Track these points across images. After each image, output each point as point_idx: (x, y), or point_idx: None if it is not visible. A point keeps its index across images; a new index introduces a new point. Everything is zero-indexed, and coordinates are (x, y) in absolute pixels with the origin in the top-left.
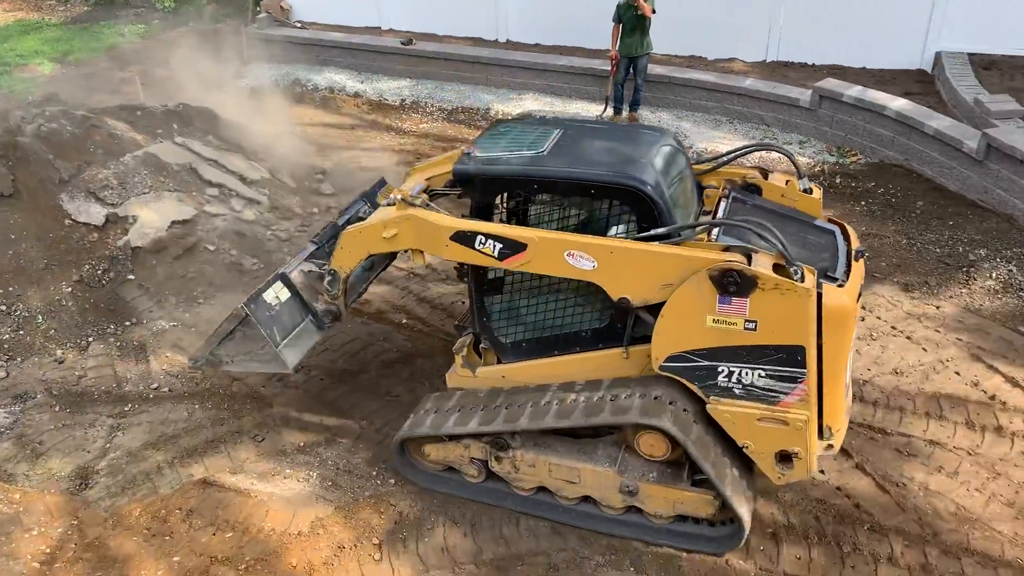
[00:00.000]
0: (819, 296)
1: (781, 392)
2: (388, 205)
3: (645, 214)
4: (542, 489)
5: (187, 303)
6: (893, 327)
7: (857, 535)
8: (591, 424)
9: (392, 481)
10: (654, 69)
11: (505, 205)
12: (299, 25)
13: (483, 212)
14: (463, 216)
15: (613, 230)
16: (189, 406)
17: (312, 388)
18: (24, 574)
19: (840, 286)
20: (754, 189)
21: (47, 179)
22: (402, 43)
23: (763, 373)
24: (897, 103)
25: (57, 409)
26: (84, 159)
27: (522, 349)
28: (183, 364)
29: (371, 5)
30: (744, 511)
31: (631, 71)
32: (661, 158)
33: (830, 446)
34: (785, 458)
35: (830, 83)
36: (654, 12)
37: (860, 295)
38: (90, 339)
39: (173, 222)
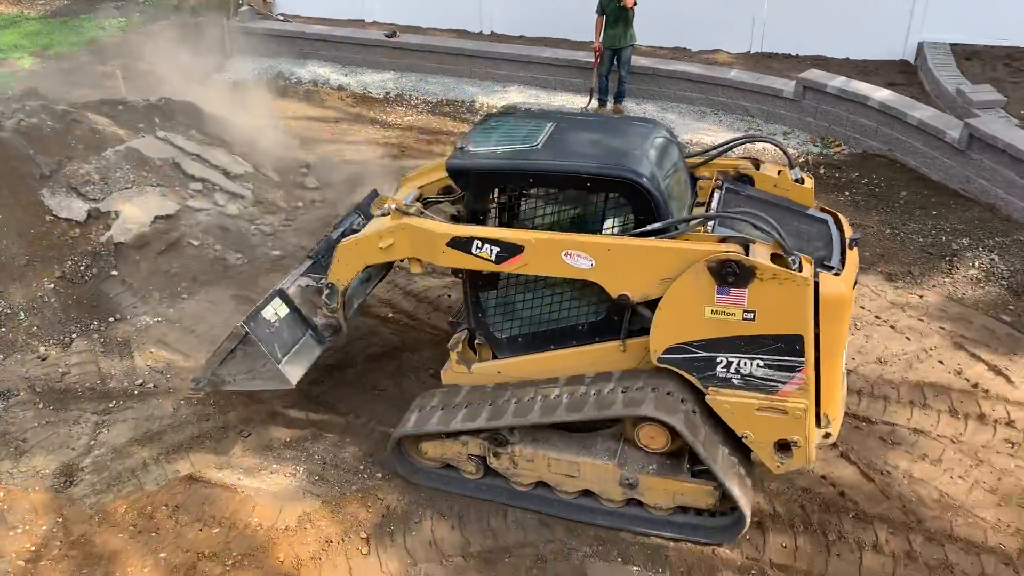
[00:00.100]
0: (816, 285)
1: (779, 381)
2: (382, 215)
3: (641, 206)
4: (541, 484)
5: (171, 298)
6: (877, 316)
7: (842, 523)
8: (602, 417)
9: (379, 475)
10: (639, 61)
11: (499, 200)
12: (282, 18)
13: (477, 207)
14: (455, 215)
15: (609, 222)
16: (174, 402)
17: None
18: (9, 572)
19: (836, 275)
20: (747, 179)
21: (28, 174)
22: (386, 36)
23: (761, 363)
24: (880, 93)
25: (41, 406)
26: (65, 154)
27: (518, 344)
28: (168, 360)
29: None
30: (744, 501)
31: (615, 63)
32: (655, 150)
33: (828, 434)
34: (784, 447)
35: (814, 74)
36: (635, 3)
37: (856, 283)
38: (73, 336)
39: (156, 217)
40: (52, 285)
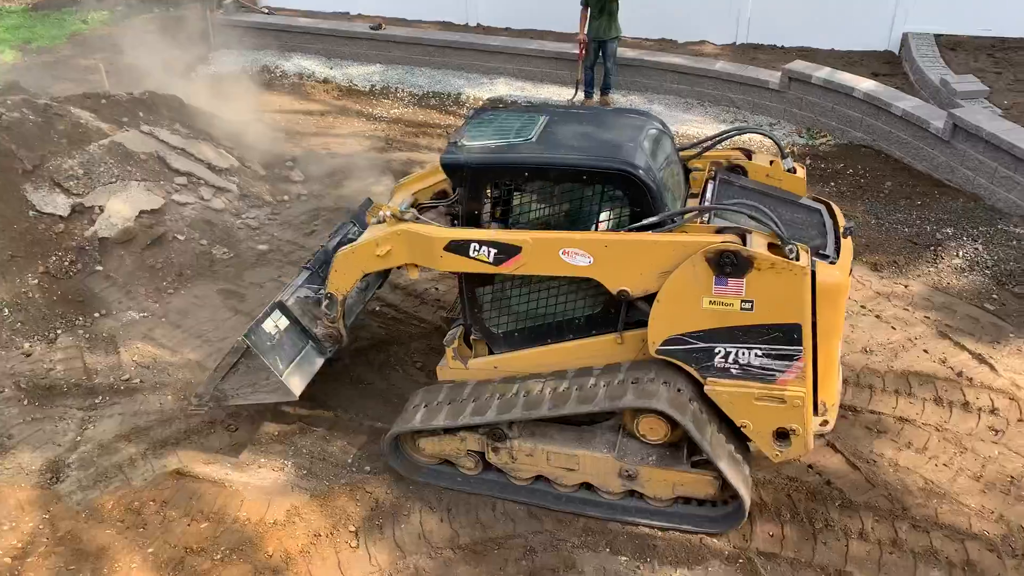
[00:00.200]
0: (812, 274)
1: (778, 370)
2: (378, 223)
3: (637, 198)
4: (539, 478)
5: (157, 293)
6: (862, 306)
7: (829, 511)
8: (608, 409)
9: (367, 468)
10: (625, 52)
11: (494, 195)
12: (266, 11)
13: (472, 202)
14: (452, 213)
15: (605, 215)
16: (161, 397)
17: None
18: None
19: (832, 263)
20: (739, 170)
21: (10, 169)
22: (371, 28)
23: (760, 352)
24: (865, 84)
25: (26, 402)
26: (48, 149)
27: (514, 339)
28: (154, 355)
29: None
30: (745, 490)
31: (600, 55)
32: (650, 142)
33: (825, 421)
34: (782, 436)
35: (799, 65)
36: None
37: (851, 271)
38: (58, 331)
39: (141, 212)
40: (36, 281)
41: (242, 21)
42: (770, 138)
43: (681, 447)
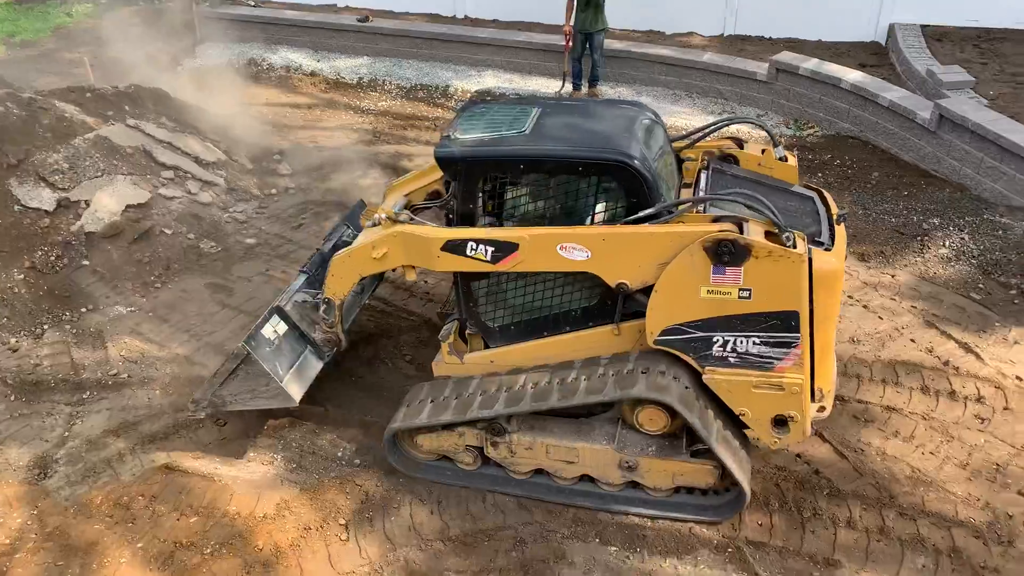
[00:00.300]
0: (809, 261)
1: (775, 358)
2: (373, 226)
3: (634, 189)
4: (538, 472)
5: (144, 288)
6: (850, 296)
7: (817, 500)
8: (616, 399)
9: (357, 462)
10: (613, 44)
11: (488, 188)
12: (253, 4)
13: (467, 196)
14: (447, 208)
15: (601, 206)
16: (149, 392)
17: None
18: None
19: (827, 250)
20: (731, 159)
21: None
22: (359, 20)
23: (757, 340)
24: (852, 75)
25: (12, 398)
26: (32, 143)
27: (511, 332)
28: (142, 349)
29: None
30: (745, 479)
31: (587, 47)
32: (644, 132)
33: (822, 408)
34: (781, 423)
35: (786, 56)
36: None
37: (845, 258)
38: (45, 326)
39: (128, 206)
40: (22, 276)
41: (228, 14)
42: (762, 127)
43: (680, 437)
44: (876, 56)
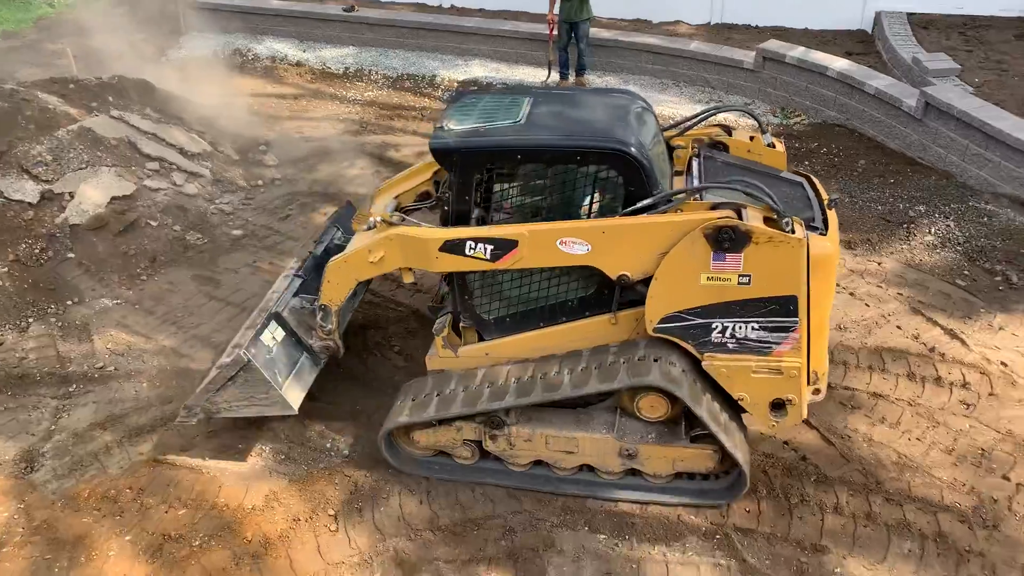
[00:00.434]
0: (806, 246)
1: (773, 342)
2: (368, 230)
3: (632, 177)
4: (537, 463)
5: (130, 280)
6: (837, 284)
7: (804, 487)
8: (631, 386)
9: (346, 452)
10: (599, 33)
11: (485, 179)
12: None
13: (463, 188)
14: (442, 199)
15: (599, 196)
16: (136, 384)
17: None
18: None
19: (822, 235)
20: (721, 146)
21: None
22: (344, 10)
23: (756, 325)
24: (839, 63)
25: None
26: (15, 135)
27: (506, 324)
28: (128, 342)
29: None
30: (745, 461)
31: (573, 36)
32: (638, 120)
33: (817, 390)
34: (778, 406)
35: (773, 44)
36: None
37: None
38: (30, 320)
39: (112, 198)
40: (6, 269)
41: (213, 3)
42: (750, 115)
43: (679, 423)
44: (862, 44)
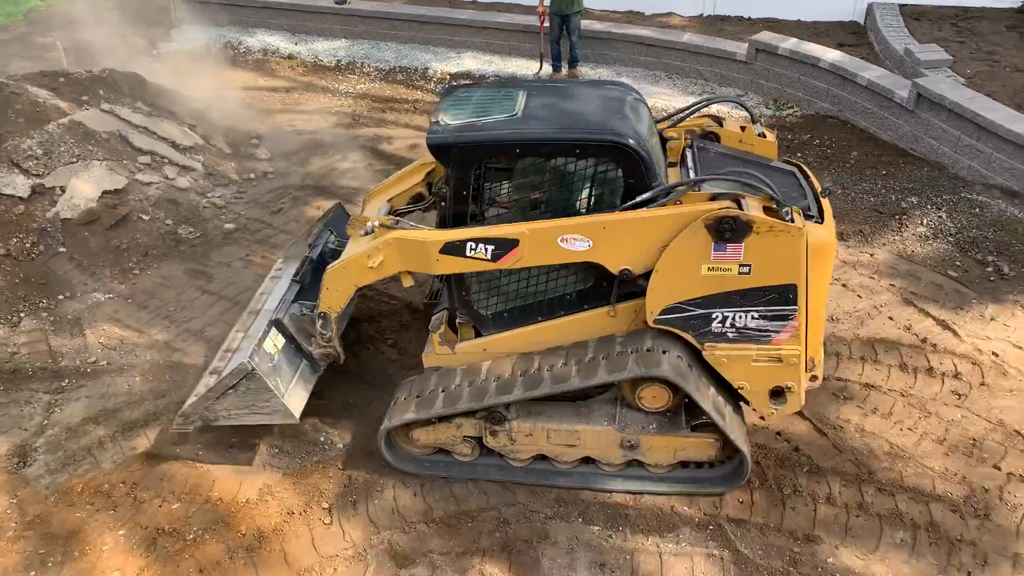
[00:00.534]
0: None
1: (773, 331)
2: (365, 235)
3: (631, 169)
4: (538, 458)
5: (122, 274)
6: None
7: (797, 477)
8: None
9: (340, 445)
10: (592, 25)
11: (484, 174)
12: None
13: (461, 184)
14: (440, 195)
15: (598, 189)
16: (129, 379)
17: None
18: None
19: (818, 223)
20: (712, 137)
21: None
22: (336, 3)
23: (756, 314)
24: (831, 55)
25: None
26: (5, 128)
27: (503, 320)
28: (121, 336)
29: None
30: (746, 448)
31: (564, 29)
32: (634, 112)
33: (814, 377)
34: (777, 393)
35: (766, 36)
36: None
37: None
38: (22, 314)
39: (104, 192)
40: None
41: None
42: (742, 105)
43: (679, 412)
44: (855, 35)
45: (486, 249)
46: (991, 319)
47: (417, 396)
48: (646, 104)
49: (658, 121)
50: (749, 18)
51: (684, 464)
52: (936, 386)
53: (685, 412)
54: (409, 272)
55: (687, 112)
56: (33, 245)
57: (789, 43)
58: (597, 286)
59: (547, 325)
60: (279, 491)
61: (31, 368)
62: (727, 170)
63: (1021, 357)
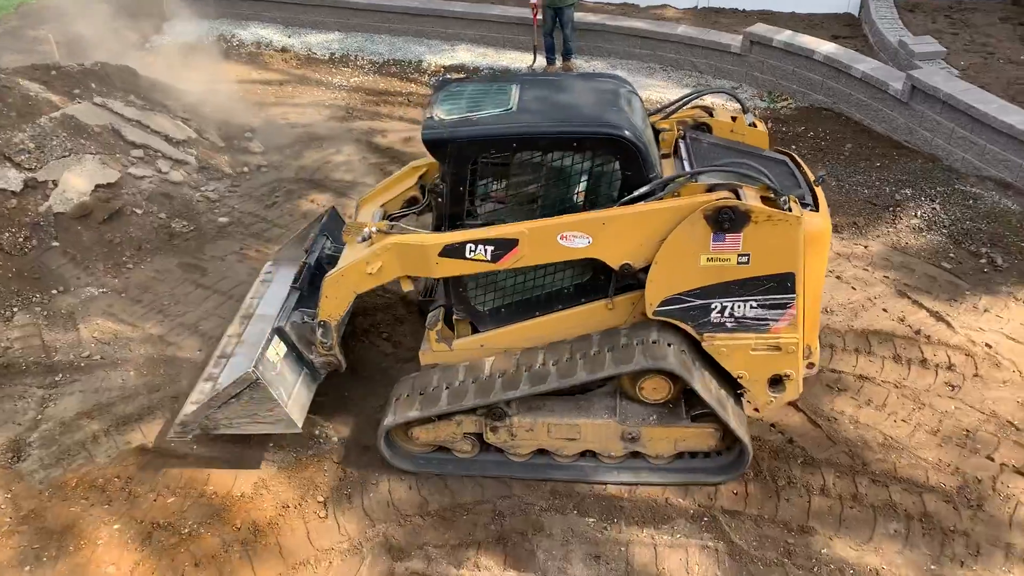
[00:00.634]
0: None
1: (771, 319)
2: (362, 241)
3: (629, 162)
4: (538, 452)
5: (116, 268)
6: None
7: (791, 469)
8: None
9: (335, 439)
10: (586, 17)
11: (480, 169)
12: None
13: (458, 179)
14: (436, 191)
15: (595, 181)
16: (123, 373)
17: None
18: None
19: (813, 211)
20: (704, 127)
21: None
22: None
23: (754, 304)
24: (825, 47)
25: None
26: None
27: (501, 315)
28: (114, 331)
29: None
30: (746, 437)
31: (557, 22)
32: (629, 104)
33: (811, 364)
34: (776, 382)
35: (760, 28)
36: None
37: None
38: (15, 309)
39: (97, 186)
40: None
41: None
42: (731, 95)
43: (679, 403)
44: (849, 27)
45: (486, 250)
46: (984, 310)
47: (420, 393)
48: (639, 96)
49: (650, 114)
50: (743, 10)
51: (679, 455)
52: (930, 377)
53: (685, 402)
54: (408, 277)
55: (679, 104)
56: (26, 239)
57: (783, 35)
58: (595, 279)
59: (545, 320)
60: (274, 485)
61: (24, 363)
62: (724, 161)
63: (1014, 348)
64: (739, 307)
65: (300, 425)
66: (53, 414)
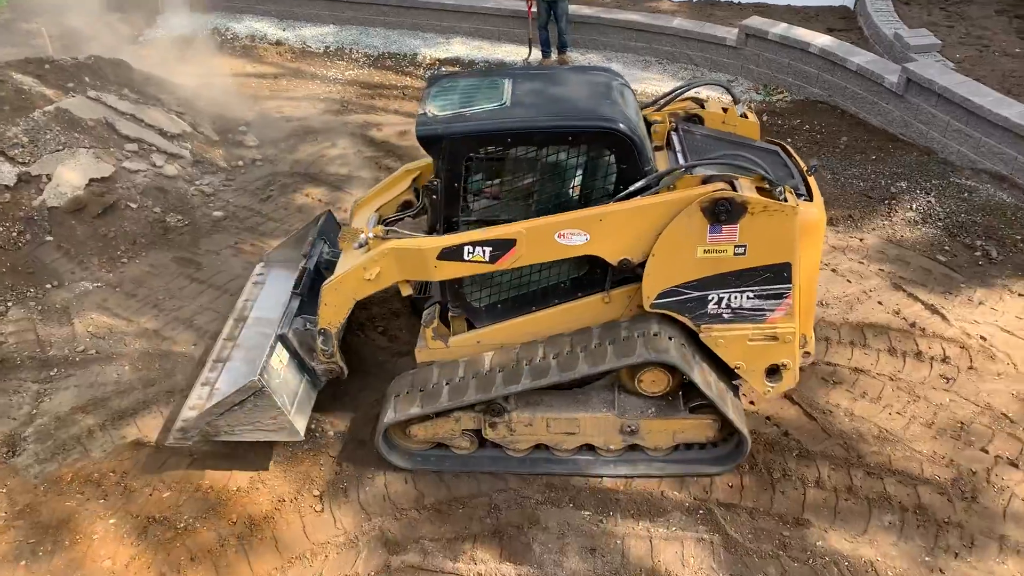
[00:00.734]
0: None
1: (767, 309)
2: (358, 247)
3: (624, 155)
4: (537, 447)
5: (110, 263)
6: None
7: (786, 461)
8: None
9: (331, 433)
10: (581, 10)
11: (475, 165)
12: None
13: (452, 177)
14: (432, 189)
15: (591, 175)
16: (118, 368)
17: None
18: None
19: (807, 201)
20: (696, 119)
21: None
22: None
23: (751, 294)
24: (821, 40)
25: None
26: None
27: (497, 311)
28: (109, 325)
29: None
30: (744, 427)
31: (552, 15)
32: (624, 98)
33: (807, 353)
34: (773, 371)
35: (756, 21)
36: None
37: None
38: (9, 304)
39: (91, 180)
40: None
41: None
42: (723, 87)
43: (677, 395)
44: (844, 20)
45: (484, 252)
46: (979, 303)
47: (420, 390)
48: (631, 89)
49: (644, 106)
50: (739, 3)
51: (676, 447)
52: (925, 370)
53: (683, 394)
54: (407, 282)
55: (671, 96)
56: (20, 234)
57: (779, 28)
58: (591, 274)
59: (541, 314)
60: (270, 479)
61: (19, 357)
62: (719, 153)
63: (1009, 341)
64: (736, 298)
65: (303, 434)
66: (48, 409)
